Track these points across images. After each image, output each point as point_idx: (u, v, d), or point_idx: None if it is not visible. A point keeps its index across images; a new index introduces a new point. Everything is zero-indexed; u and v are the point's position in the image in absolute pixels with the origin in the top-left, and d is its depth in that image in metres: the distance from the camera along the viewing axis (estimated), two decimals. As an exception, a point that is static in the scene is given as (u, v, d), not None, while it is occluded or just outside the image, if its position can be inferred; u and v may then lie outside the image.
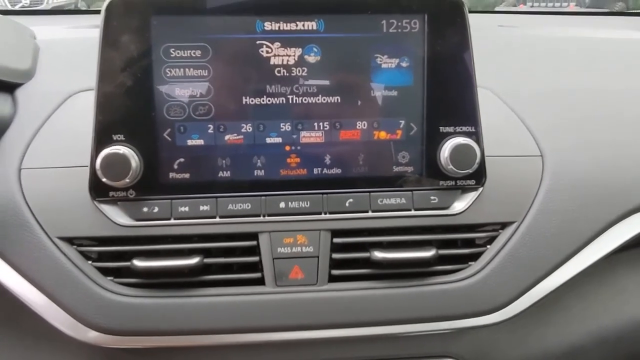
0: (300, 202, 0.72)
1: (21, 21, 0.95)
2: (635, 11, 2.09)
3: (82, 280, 0.69)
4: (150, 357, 0.76)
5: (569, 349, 0.84)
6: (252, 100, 0.70)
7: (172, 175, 0.70)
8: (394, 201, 0.73)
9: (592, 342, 0.84)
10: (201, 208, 0.71)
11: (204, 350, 0.76)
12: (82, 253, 0.71)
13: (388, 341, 0.79)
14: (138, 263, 0.69)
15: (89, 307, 0.69)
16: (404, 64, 0.71)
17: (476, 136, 0.72)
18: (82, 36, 1.03)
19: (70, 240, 0.70)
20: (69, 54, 0.90)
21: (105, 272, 0.71)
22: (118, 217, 0.70)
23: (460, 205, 0.74)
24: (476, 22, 0.73)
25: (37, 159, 0.73)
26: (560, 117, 0.83)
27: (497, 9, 1.92)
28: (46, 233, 0.70)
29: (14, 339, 0.76)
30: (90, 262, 0.71)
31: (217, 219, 0.71)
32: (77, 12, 1.96)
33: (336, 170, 0.72)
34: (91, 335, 0.70)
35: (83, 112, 0.74)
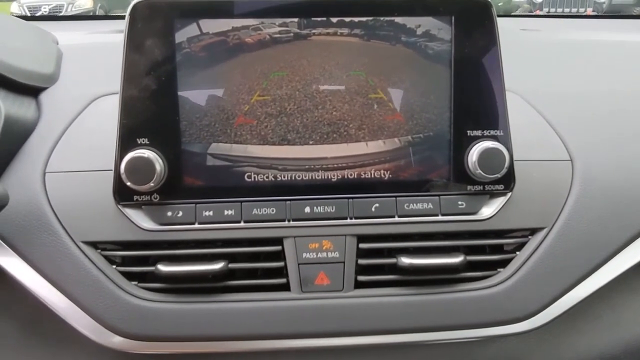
0: (326, 207, 0.71)
1: (42, 27, 0.95)
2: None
3: (106, 284, 0.69)
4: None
5: (600, 357, 0.81)
6: (276, 105, 0.70)
7: (196, 179, 0.70)
8: (421, 206, 0.72)
9: (623, 352, 0.82)
10: (225, 213, 0.70)
11: (227, 357, 0.75)
12: (106, 257, 0.70)
13: (414, 349, 0.77)
14: (162, 268, 0.68)
15: (113, 311, 0.69)
16: (431, 67, 0.70)
17: (505, 140, 0.71)
18: (103, 41, 1.03)
19: (94, 245, 0.70)
20: (91, 59, 0.90)
21: (129, 276, 0.70)
22: (142, 222, 0.70)
23: (488, 210, 0.73)
24: (499, 26, 0.71)
25: (61, 163, 0.72)
26: (589, 120, 0.81)
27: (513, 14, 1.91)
28: (71, 237, 0.69)
29: (38, 341, 0.76)
30: (114, 266, 0.70)
31: (242, 224, 0.70)
32: (95, 17, 1.98)
33: (362, 175, 0.71)
34: (115, 341, 0.69)
35: (106, 115, 0.74)
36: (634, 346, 0.83)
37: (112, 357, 0.74)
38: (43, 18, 1.92)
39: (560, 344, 0.81)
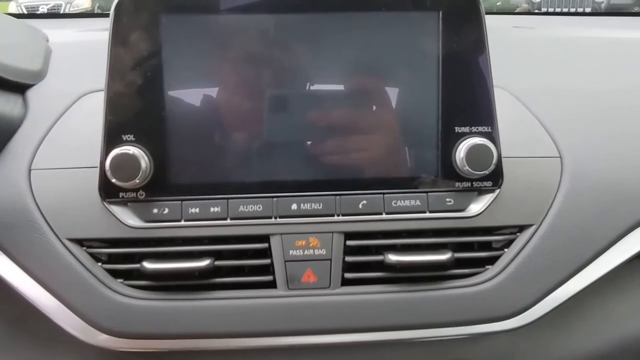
0: (313, 204, 0.70)
1: (37, 25, 0.95)
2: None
3: (92, 282, 0.69)
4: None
5: (591, 356, 0.81)
6: (263, 101, 0.69)
7: (182, 176, 0.69)
8: (409, 203, 0.71)
9: (615, 349, 0.82)
10: (212, 210, 0.70)
11: (214, 355, 0.75)
12: (91, 255, 0.70)
13: (402, 347, 0.77)
14: (148, 265, 0.68)
15: (99, 309, 0.68)
16: (417, 63, 0.70)
17: (493, 136, 0.70)
18: (94, 39, 1.02)
19: (80, 242, 0.70)
20: (80, 56, 0.90)
21: (115, 274, 0.70)
22: (128, 219, 0.69)
23: (476, 207, 0.73)
24: (491, 24, 0.71)
25: (46, 160, 0.72)
26: (579, 117, 0.81)
27: (510, 14, 1.90)
28: (56, 234, 0.69)
29: (24, 340, 0.75)
30: (100, 264, 0.70)
31: (228, 221, 0.70)
32: (90, 15, 1.97)
33: (349, 172, 0.71)
34: (101, 339, 0.69)
35: (93, 113, 0.74)
36: (626, 343, 0.83)
37: (98, 355, 0.73)
38: (38, 16, 1.91)
39: (551, 341, 0.81)
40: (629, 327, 0.82)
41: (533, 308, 0.72)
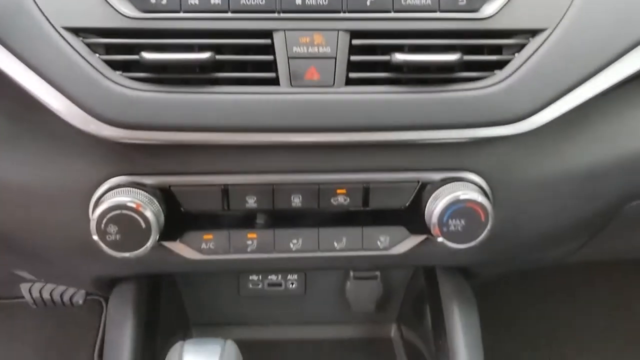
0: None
1: None
2: None
3: (91, 73, 0.67)
4: (163, 156, 0.75)
5: (589, 168, 0.82)
6: None
7: None
8: (419, 1, 0.68)
9: (613, 163, 0.82)
10: (212, 1, 0.66)
11: (213, 150, 0.75)
12: (88, 46, 0.67)
13: (404, 150, 0.77)
14: (147, 55, 0.66)
15: (98, 99, 0.67)
16: None
17: None
18: None
19: (75, 32, 0.67)
20: None
21: (113, 65, 0.68)
22: (124, 8, 0.66)
23: (490, 8, 0.69)
24: None
25: None
26: None
27: None
28: (50, 22, 0.66)
29: (27, 135, 0.75)
30: (97, 55, 0.68)
31: (229, 14, 0.67)
32: None
33: None
34: (101, 129, 0.68)
35: None
36: (626, 161, 0.83)
37: (100, 150, 0.74)
38: None
39: (551, 152, 0.81)
40: (630, 142, 0.82)
41: (538, 114, 0.71)
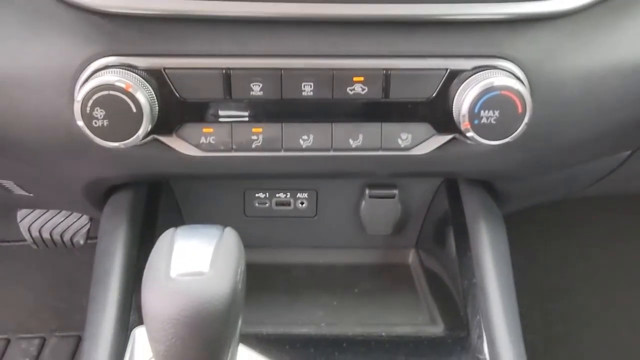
0: None
1: None
2: None
3: None
4: (155, 33, 0.66)
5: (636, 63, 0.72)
6: None
7: None
8: None
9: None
10: None
11: (216, 26, 0.66)
12: None
13: (430, 32, 0.68)
14: None
15: None
16: None
17: None
18: None
19: None
20: None
21: None
22: None
23: None
24: None
25: None
26: None
27: None
28: None
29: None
30: None
31: None
32: None
33: None
34: None
35: None
36: None
37: (86, 25, 0.65)
38: None
39: (597, 42, 0.71)
40: None
41: None
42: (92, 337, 0.73)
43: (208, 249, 0.50)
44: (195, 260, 0.49)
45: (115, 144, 0.66)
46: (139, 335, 0.68)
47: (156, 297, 0.48)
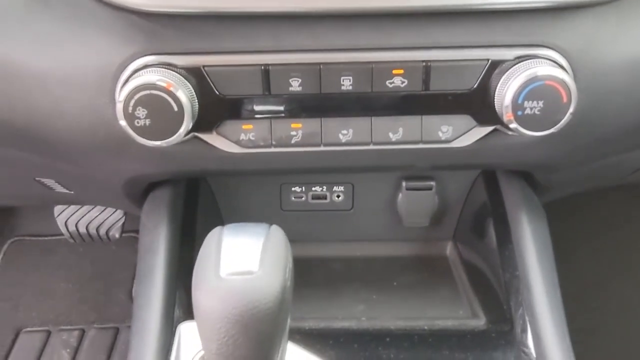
0: None
1: None
2: None
3: None
4: (193, 31, 0.66)
5: None
6: None
7: None
8: None
9: None
10: None
11: (253, 22, 0.66)
12: None
13: (470, 23, 0.67)
14: None
15: None
16: None
17: None
18: None
19: None
20: None
21: None
22: None
23: None
24: None
25: None
26: None
27: None
28: None
29: (40, 7, 0.67)
30: None
31: None
32: None
33: None
34: None
35: None
36: None
37: (125, 24, 0.65)
38: None
39: (637, 26, 0.69)
40: None
41: None
42: (139, 333, 0.74)
43: (256, 248, 0.50)
44: (244, 259, 0.49)
45: (157, 143, 0.67)
46: (185, 331, 0.69)
47: (207, 296, 0.48)
